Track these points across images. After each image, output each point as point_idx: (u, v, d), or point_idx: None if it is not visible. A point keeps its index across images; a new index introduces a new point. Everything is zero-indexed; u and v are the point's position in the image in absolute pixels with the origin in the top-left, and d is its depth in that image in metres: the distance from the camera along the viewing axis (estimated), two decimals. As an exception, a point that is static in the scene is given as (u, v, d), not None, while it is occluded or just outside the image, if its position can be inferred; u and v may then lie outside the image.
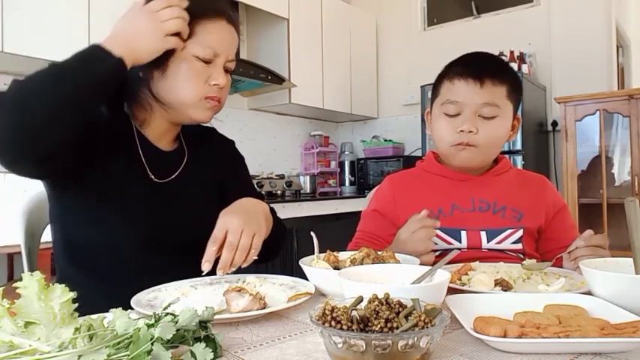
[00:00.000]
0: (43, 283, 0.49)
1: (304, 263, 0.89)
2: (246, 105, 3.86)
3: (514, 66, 3.29)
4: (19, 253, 1.16)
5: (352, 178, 4.34)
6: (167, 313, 0.54)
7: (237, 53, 1.05)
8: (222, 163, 1.16)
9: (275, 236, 1.04)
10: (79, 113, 0.80)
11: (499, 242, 1.14)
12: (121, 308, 0.53)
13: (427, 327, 0.49)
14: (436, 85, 1.23)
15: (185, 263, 0.94)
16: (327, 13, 3.91)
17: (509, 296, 0.75)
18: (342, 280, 0.68)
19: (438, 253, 1.15)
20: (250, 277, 0.89)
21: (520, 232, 1.15)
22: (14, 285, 0.49)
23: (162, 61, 0.93)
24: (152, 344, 0.47)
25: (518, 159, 3.07)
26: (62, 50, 2.63)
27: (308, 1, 3.72)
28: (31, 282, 0.49)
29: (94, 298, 0.69)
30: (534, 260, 0.98)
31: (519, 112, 1.23)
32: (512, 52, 3.43)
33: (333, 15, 3.97)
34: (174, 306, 0.72)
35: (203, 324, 0.56)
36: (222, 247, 0.86)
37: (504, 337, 0.56)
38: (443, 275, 0.71)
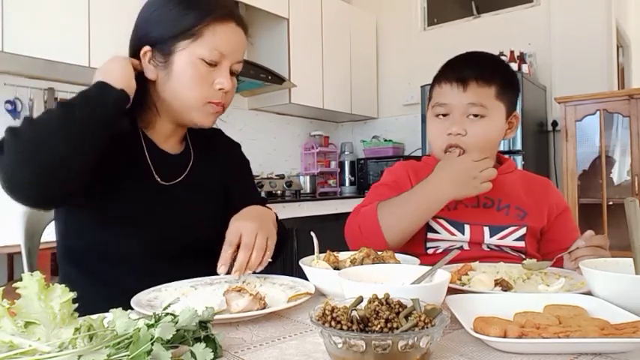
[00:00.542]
0: (43, 283, 0.49)
1: (304, 263, 0.89)
2: (246, 105, 3.86)
3: (514, 66, 3.29)
4: (19, 253, 1.16)
5: (352, 178, 4.34)
6: (167, 314, 0.54)
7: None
8: (228, 167, 1.15)
9: (280, 240, 1.04)
10: (93, 146, 0.82)
11: (502, 238, 1.15)
12: (121, 308, 0.53)
13: (427, 327, 0.49)
14: (430, 89, 1.24)
15: (188, 266, 0.94)
16: (327, 13, 3.91)
17: (509, 296, 0.75)
18: (342, 280, 0.68)
19: (440, 250, 1.16)
20: (250, 277, 0.89)
21: (523, 230, 1.15)
22: (14, 285, 0.49)
23: (168, 62, 0.93)
24: (152, 344, 0.47)
25: (519, 159, 3.07)
26: (62, 50, 2.62)
27: (308, 1, 3.72)
28: (31, 282, 0.49)
29: (96, 300, 0.69)
30: (534, 260, 0.98)
31: (518, 110, 1.23)
32: (512, 52, 3.43)
33: (333, 15, 3.97)
34: (174, 306, 0.72)
35: (203, 324, 0.56)
36: (237, 250, 0.86)
37: (504, 337, 0.56)
38: (443, 275, 0.71)
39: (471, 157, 1.06)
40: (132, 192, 0.96)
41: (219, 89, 0.96)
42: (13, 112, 2.55)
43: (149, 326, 0.50)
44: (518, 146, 3.09)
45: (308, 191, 3.85)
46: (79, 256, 0.97)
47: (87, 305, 0.57)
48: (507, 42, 3.50)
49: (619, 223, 2.74)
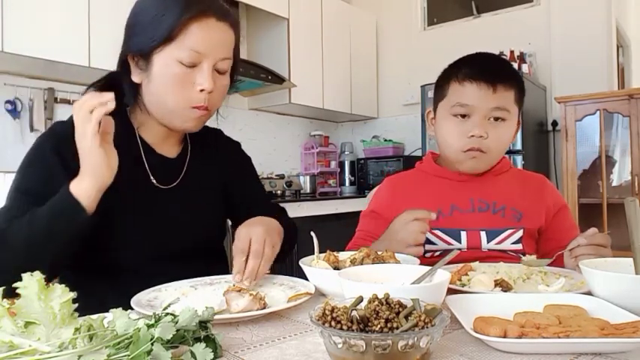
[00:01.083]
0: (43, 283, 0.49)
1: (304, 263, 0.89)
2: (246, 105, 3.86)
3: (514, 66, 3.28)
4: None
5: (352, 178, 4.34)
6: (167, 314, 0.54)
7: (238, 51, 1.01)
8: (227, 165, 1.14)
9: (289, 238, 1.05)
10: (62, 257, 0.86)
11: (499, 242, 1.14)
12: (121, 308, 0.53)
13: (427, 327, 0.49)
14: (441, 86, 1.19)
15: (189, 267, 0.93)
16: (327, 13, 3.91)
17: (509, 296, 0.75)
18: (342, 280, 0.68)
19: (437, 253, 1.16)
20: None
21: (520, 233, 1.15)
22: (14, 285, 0.49)
23: (148, 66, 0.92)
24: (152, 344, 0.47)
25: (518, 159, 3.07)
26: (62, 50, 2.62)
27: (308, 1, 3.72)
28: (31, 282, 0.49)
29: (95, 303, 0.69)
30: (534, 256, 0.98)
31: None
32: (512, 52, 3.43)
33: (333, 15, 3.97)
34: (174, 306, 0.72)
35: (203, 324, 0.56)
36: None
37: (504, 337, 0.56)
38: (443, 275, 0.71)
39: (412, 216, 1.00)
40: (128, 195, 0.95)
41: (201, 90, 0.92)
42: (13, 112, 2.55)
43: (149, 326, 0.50)
44: (518, 146, 3.09)
45: (308, 191, 3.84)
46: (77, 257, 0.97)
47: (86, 308, 0.57)
48: (507, 42, 3.50)
49: (619, 223, 2.74)
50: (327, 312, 0.52)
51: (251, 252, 0.85)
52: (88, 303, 0.59)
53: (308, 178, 3.90)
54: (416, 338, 0.49)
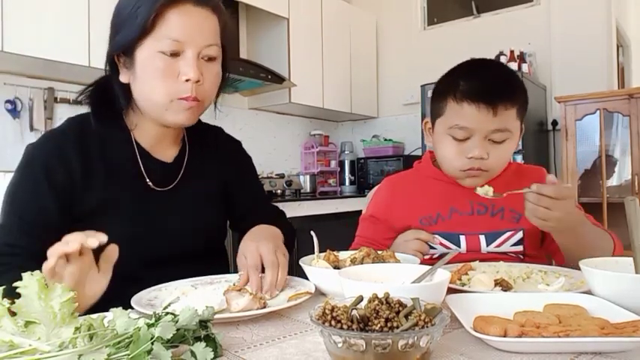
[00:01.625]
0: (43, 282, 0.49)
1: (304, 263, 0.89)
2: (246, 104, 3.86)
3: (514, 66, 3.29)
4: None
5: (352, 178, 4.34)
6: (167, 313, 0.54)
7: (227, 37, 0.97)
8: (227, 163, 1.13)
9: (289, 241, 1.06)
10: None
11: (498, 245, 1.13)
12: (121, 308, 0.53)
13: (427, 326, 0.49)
14: (439, 101, 1.14)
15: (189, 268, 0.93)
16: (327, 12, 3.91)
17: (509, 296, 0.75)
18: (342, 279, 0.68)
19: (435, 256, 1.15)
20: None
21: (520, 234, 1.14)
22: (14, 285, 0.49)
23: (132, 63, 0.90)
24: (152, 344, 0.48)
25: (519, 158, 3.07)
26: (62, 50, 2.61)
27: (308, 1, 3.72)
28: (31, 282, 0.49)
29: (95, 306, 0.69)
30: (491, 189, 0.98)
31: None
32: (512, 52, 3.43)
33: (333, 14, 3.97)
34: (175, 305, 0.72)
35: (203, 323, 0.56)
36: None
37: (504, 336, 0.56)
38: (443, 275, 0.71)
39: (414, 235, 1.11)
40: (124, 198, 0.94)
41: (186, 80, 0.89)
42: (13, 111, 2.55)
43: (149, 325, 0.50)
44: (519, 146, 3.09)
45: (308, 190, 3.84)
46: None
47: (87, 312, 0.57)
48: (507, 42, 3.50)
49: (619, 222, 2.74)
50: (327, 311, 0.52)
51: (266, 265, 0.84)
52: (89, 309, 0.59)
53: (308, 177, 3.90)
54: (416, 337, 0.49)
